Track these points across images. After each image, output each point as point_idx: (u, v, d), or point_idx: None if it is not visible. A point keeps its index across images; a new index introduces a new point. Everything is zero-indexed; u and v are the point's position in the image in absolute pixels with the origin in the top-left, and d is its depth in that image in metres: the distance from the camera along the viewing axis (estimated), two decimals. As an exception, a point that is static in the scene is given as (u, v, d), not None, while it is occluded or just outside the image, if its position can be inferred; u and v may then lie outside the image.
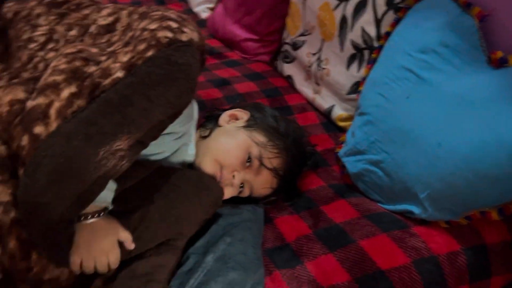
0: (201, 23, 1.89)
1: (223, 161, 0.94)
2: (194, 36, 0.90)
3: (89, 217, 0.76)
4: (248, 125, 1.00)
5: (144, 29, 0.87)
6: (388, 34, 1.08)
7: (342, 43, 1.23)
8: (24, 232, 0.74)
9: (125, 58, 0.82)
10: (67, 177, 0.70)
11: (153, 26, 0.87)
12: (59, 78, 0.79)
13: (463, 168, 0.83)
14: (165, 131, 0.84)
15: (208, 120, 1.06)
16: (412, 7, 1.04)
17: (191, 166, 0.98)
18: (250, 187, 0.98)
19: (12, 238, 0.74)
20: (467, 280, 0.86)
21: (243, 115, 1.03)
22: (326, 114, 1.32)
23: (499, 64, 0.87)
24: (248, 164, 0.96)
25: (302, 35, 1.42)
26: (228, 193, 0.95)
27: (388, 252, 0.85)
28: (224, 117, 1.03)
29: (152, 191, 0.85)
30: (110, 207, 0.79)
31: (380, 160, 0.98)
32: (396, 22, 1.06)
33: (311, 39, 1.37)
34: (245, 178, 0.97)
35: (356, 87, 1.20)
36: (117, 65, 0.82)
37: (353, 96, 1.21)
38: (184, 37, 0.87)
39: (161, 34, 0.85)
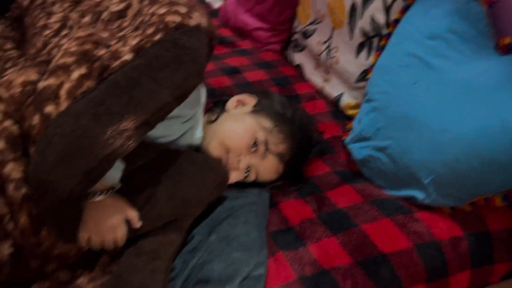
0: (213, 13, 1.90)
1: (230, 145, 0.96)
2: (203, 21, 0.91)
3: (97, 195, 0.78)
4: (255, 111, 1.01)
5: (153, 14, 0.89)
6: (397, 21, 1.08)
7: (351, 31, 1.23)
8: (35, 208, 0.77)
9: (134, 42, 0.84)
10: (76, 155, 0.72)
11: (161, 11, 0.89)
12: (69, 60, 0.82)
13: (467, 154, 0.83)
14: (173, 115, 0.86)
15: (216, 105, 1.07)
16: (421, -6, 1.04)
17: (198, 150, 1.00)
18: (255, 171, 1.00)
19: (23, 213, 0.76)
20: (469, 266, 0.87)
21: (250, 100, 1.04)
22: (334, 103, 1.32)
23: (507, 50, 0.87)
24: (254, 149, 0.97)
25: (312, 23, 1.42)
26: (234, 177, 0.97)
27: (391, 236, 0.86)
28: (231, 102, 1.04)
29: (159, 172, 0.87)
30: (118, 186, 0.81)
31: (386, 146, 0.98)
32: (405, 9, 1.06)
33: (321, 28, 1.38)
34: (251, 163, 0.98)
35: (364, 75, 1.20)
36: (126, 48, 0.84)
37: (362, 84, 1.21)
38: (192, 22, 0.88)
39: (169, 18, 0.86)
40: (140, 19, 0.92)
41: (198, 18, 0.90)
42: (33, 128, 0.77)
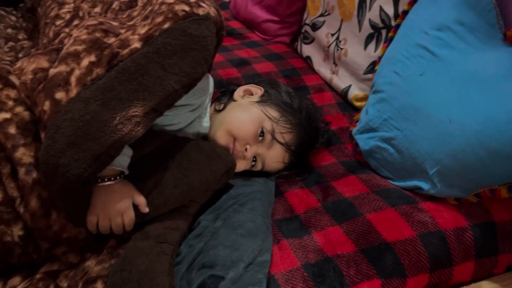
0: (223, 5, 1.91)
1: (236, 134, 0.97)
2: (211, 11, 0.92)
3: (105, 180, 0.80)
4: (262, 100, 1.02)
5: (162, 3, 0.90)
6: (405, 12, 1.08)
7: (360, 23, 1.23)
8: (45, 192, 0.79)
9: (143, 30, 0.86)
10: (85, 140, 0.73)
11: (171, 0, 0.90)
12: (80, 47, 0.83)
13: (473, 145, 0.83)
14: (181, 103, 0.87)
15: (223, 95, 1.08)
16: (430, -15, 1.03)
17: (205, 138, 1.01)
18: (262, 161, 1.01)
19: (33, 197, 0.78)
20: (473, 256, 0.87)
21: (258, 90, 1.05)
22: (342, 95, 1.33)
23: (515, 41, 0.86)
24: (260, 138, 0.98)
25: (321, 15, 1.43)
26: (241, 166, 0.98)
27: (395, 226, 0.86)
28: (238, 91, 1.05)
29: (166, 159, 0.88)
30: (126, 172, 0.83)
31: (392, 137, 0.99)
32: (414, 0, 1.06)
33: (330, 20, 1.38)
34: (257, 152, 0.99)
35: (372, 67, 1.20)
36: (135, 36, 0.85)
37: (370, 76, 1.21)
38: (201, 11, 0.89)
39: (178, 7, 0.87)
40: (150, 8, 0.93)
41: (207, 8, 0.91)
42: (44, 114, 0.78)
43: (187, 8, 0.88)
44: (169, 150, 0.90)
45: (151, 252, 0.78)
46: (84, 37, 0.85)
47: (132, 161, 0.84)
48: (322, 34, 1.41)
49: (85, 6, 1.14)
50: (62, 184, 0.74)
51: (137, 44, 0.83)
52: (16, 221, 0.79)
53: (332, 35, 1.36)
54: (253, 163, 1.00)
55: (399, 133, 0.97)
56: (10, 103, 0.83)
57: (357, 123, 1.13)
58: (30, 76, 0.85)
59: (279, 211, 0.95)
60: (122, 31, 0.89)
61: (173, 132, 0.94)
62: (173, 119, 0.94)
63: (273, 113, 1.00)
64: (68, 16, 1.13)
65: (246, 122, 0.98)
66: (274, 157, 1.01)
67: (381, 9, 1.16)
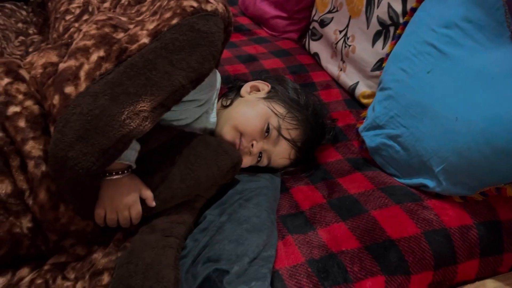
0: (232, 1, 1.92)
1: (243, 130, 0.97)
2: (219, 7, 0.93)
3: (113, 174, 0.81)
4: (269, 97, 1.03)
5: (170, -1, 0.91)
6: (413, 9, 1.08)
7: (368, 20, 1.23)
8: (53, 185, 0.80)
9: (151, 26, 0.86)
10: (93, 134, 0.74)
11: (179, -5, 0.90)
12: (89, 42, 0.84)
13: (479, 143, 0.83)
14: (188, 98, 0.88)
15: (231, 90, 1.09)
16: (439, -18, 1.03)
17: (212, 134, 1.02)
18: (268, 157, 1.01)
19: (42, 190, 0.79)
20: (477, 254, 0.87)
21: (264, 86, 1.06)
22: (350, 92, 1.33)
23: (523, 39, 0.86)
24: (267, 134, 0.99)
25: (330, 12, 1.42)
26: (247, 161, 0.98)
27: (399, 223, 0.86)
28: (245, 88, 1.06)
29: (173, 154, 0.89)
30: (134, 166, 0.84)
31: (398, 134, 0.99)
32: (422, -3, 1.06)
33: (338, 16, 1.38)
34: (263, 148, 1.00)
35: (380, 64, 1.20)
36: (144, 32, 0.86)
37: (377, 73, 1.21)
38: (209, 7, 0.89)
39: (186, 3, 0.88)
40: (158, 4, 0.94)
41: (215, 4, 0.91)
42: (53, 108, 0.79)
43: (195, 4, 0.88)
44: (176, 145, 0.90)
45: (157, 245, 0.79)
46: (93, 32, 0.86)
47: (140, 156, 0.85)
48: (330, 30, 1.41)
49: (94, 1, 1.16)
50: (71, 177, 0.75)
51: (145, 40, 0.84)
52: (25, 213, 0.81)
53: (340, 31, 1.36)
54: (259, 158, 1.01)
55: (405, 131, 0.98)
56: (20, 96, 0.84)
57: (364, 120, 1.14)
58: (40, 71, 0.86)
59: (284, 207, 0.95)
60: (131, 26, 0.89)
61: (180, 127, 0.95)
62: (181, 114, 0.94)
63: (280, 109, 1.00)
64: (77, 11, 1.14)
65: (252, 118, 0.98)
66: (280, 153, 1.01)
67: (389, 6, 1.16)
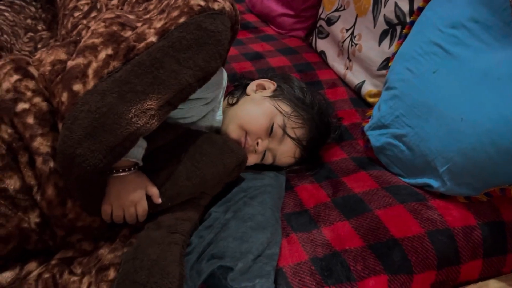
0: (239, -2, 1.92)
1: (248, 128, 0.98)
2: (226, 5, 0.93)
3: (120, 171, 0.82)
4: (274, 95, 1.03)
5: (178, -3, 0.91)
6: (420, 9, 1.07)
7: (375, 19, 1.23)
8: (61, 181, 0.81)
9: (159, 24, 0.87)
10: (101, 131, 0.75)
11: (187, -6, 0.91)
12: (97, 40, 0.85)
13: (484, 143, 0.83)
14: (195, 97, 0.88)
15: (236, 89, 1.10)
16: (446, -18, 1.03)
17: (218, 132, 1.02)
18: (273, 155, 1.02)
19: (50, 186, 0.81)
20: (481, 255, 0.87)
21: (270, 85, 1.06)
22: (356, 90, 1.33)
23: (530, 40, 0.86)
24: (272, 133, 0.99)
25: (337, 10, 1.42)
26: (252, 159, 0.99)
27: (403, 222, 0.87)
28: (251, 86, 1.07)
29: (179, 152, 0.90)
30: (140, 164, 0.85)
31: (404, 134, 0.99)
32: (429, -3, 1.06)
33: (345, 15, 1.38)
34: (268, 146, 1.00)
35: (386, 63, 1.20)
36: (151, 30, 0.86)
37: (384, 72, 1.21)
38: (216, 6, 0.90)
39: (193, 2, 0.88)
40: (166, 2, 0.94)
41: (222, 2, 0.92)
42: (62, 105, 0.80)
43: (202, 3, 0.89)
44: (182, 143, 0.91)
45: (162, 241, 0.80)
46: (101, 30, 0.87)
47: (146, 153, 0.86)
48: (337, 29, 1.41)
49: (102, -2, 1.16)
50: (78, 174, 0.76)
51: (153, 38, 0.84)
52: (33, 208, 0.82)
53: (347, 30, 1.36)
54: (264, 157, 1.01)
55: (410, 130, 0.98)
56: (29, 93, 0.85)
57: (370, 119, 1.14)
58: (49, 68, 0.87)
59: (288, 205, 0.96)
60: (139, 24, 0.90)
61: (186, 125, 0.95)
62: (187, 113, 0.95)
63: (285, 108, 1.01)
64: (86, 8, 1.15)
65: (258, 116, 0.99)
66: (285, 151, 1.02)
67: (396, 5, 1.16)
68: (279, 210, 0.92)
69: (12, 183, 0.81)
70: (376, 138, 1.06)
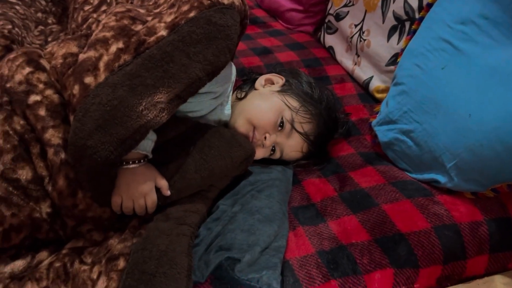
0: (248, -7, 1.92)
1: (256, 122, 0.99)
2: (236, 0, 0.94)
3: (130, 163, 0.83)
4: (283, 90, 1.04)
5: (188, -9, 0.92)
6: (429, 5, 1.07)
7: (384, 14, 1.23)
8: (72, 172, 0.82)
9: (169, 18, 0.88)
10: (112, 124, 0.76)
11: (196, -11, 0.91)
12: (108, 34, 0.86)
13: (492, 140, 0.83)
14: (204, 91, 0.89)
15: (245, 83, 1.10)
16: (456, -22, 1.03)
17: (226, 126, 1.03)
18: (281, 149, 1.03)
19: (61, 177, 0.82)
20: (487, 250, 0.87)
21: (279, 79, 1.07)
22: (364, 86, 1.33)
23: (539, 37, 0.86)
24: (280, 127, 1.00)
25: (345, 5, 1.43)
26: (260, 153, 1.00)
27: (410, 217, 0.87)
28: (260, 80, 1.07)
29: (188, 145, 0.91)
30: (150, 156, 0.86)
31: (411, 129, 0.99)
32: (439, -7, 1.06)
33: (354, 10, 1.38)
34: (276, 141, 1.01)
35: (395, 59, 1.20)
36: (162, 24, 0.87)
37: (392, 68, 1.21)
38: (226, 0, 0.90)
39: (203, -4, 0.89)
40: (176, -4, 0.95)
41: (232, -3, 0.92)
42: (73, 97, 0.81)
43: (212, -3, 0.89)
44: (191, 137, 0.92)
45: (171, 233, 0.81)
46: (112, 24, 0.88)
47: (156, 146, 0.87)
48: (346, 24, 1.42)
49: (112, -8, 1.17)
50: (89, 165, 0.77)
51: (163, 32, 0.85)
52: (44, 198, 0.83)
53: (356, 25, 1.36)
54: (272, 151, 1.02)
55: (418, 126, 0.98)
56: (41, 86, 0.86)
57: (377, 115, 1.14)
58: (60, 61, 0.88)
59: (296, 199, 0.97)
60: (149, 18, 0.91)
61: (195, 119, 0.96)
62: (196, 106, 0.96)
63: (293, 102, 1.01)
64: (96, 2, 1.16)
65: (266, 111, 1.00)
66: (293, 146, 1.02)
67: (405, 1, 1.16)
68: (286, 204, 0.93)
69: (24, 174, 0.82)
70: (383, 134, 1.07)
